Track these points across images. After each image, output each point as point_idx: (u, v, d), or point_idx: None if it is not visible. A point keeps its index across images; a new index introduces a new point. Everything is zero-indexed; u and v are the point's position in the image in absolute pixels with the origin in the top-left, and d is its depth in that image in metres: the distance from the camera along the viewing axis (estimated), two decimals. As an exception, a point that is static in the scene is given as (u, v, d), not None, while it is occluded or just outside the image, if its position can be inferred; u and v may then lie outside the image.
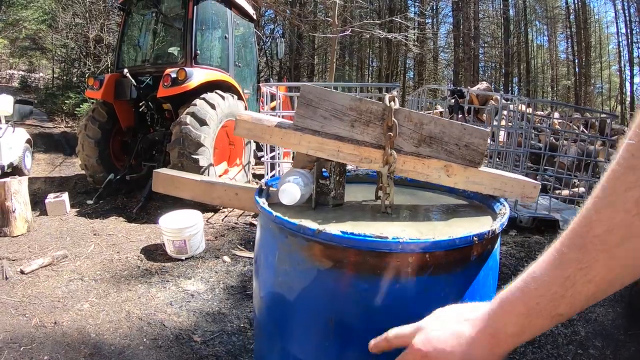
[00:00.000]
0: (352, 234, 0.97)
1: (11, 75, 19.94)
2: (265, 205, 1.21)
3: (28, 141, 8.11)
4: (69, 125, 13.51)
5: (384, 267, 0.98)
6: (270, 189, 1.44)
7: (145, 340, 2.78)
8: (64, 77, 16.27)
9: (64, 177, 7.90)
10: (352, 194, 1.54)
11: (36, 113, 14.59)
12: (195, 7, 5.76)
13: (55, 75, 17.50)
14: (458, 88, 4.58)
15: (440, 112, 9.13)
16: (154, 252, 4.29)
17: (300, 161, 1.37)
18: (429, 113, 8.86)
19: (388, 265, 0.97)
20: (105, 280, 3.65)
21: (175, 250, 4.09)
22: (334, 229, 1.00)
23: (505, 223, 1.17)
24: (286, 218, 1.09)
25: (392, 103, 1.26)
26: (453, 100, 4.49)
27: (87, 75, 13.50)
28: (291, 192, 1.21)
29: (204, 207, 5.39)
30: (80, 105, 12.77)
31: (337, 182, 1.38)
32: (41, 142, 11.06)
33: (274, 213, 1.13)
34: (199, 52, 5.80)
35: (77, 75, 15.05)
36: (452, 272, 1.04)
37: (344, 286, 1.03)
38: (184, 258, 4.08)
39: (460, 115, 4.57)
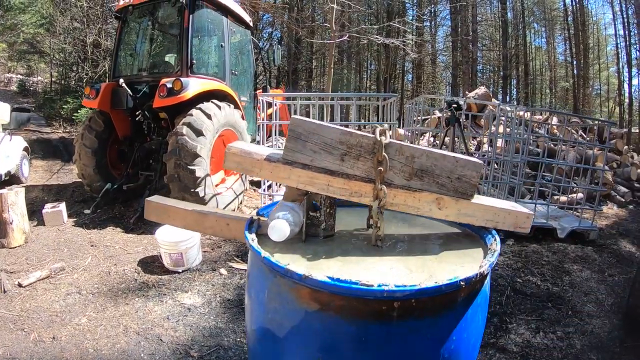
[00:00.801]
0: (338, 280, 0.97)
1: (9, 79, 19.97)
2: (254, 244, 1.21)
3: (25, 149, 8.10)
4: (66, 130, 13.50)
5: (370, 312, 0.98)
6: (261, 219, 1.43)
7: (142, 355, 2.78)
8: (62, 82, 16.26)
9: (61, 185, 7.87)
10: (345, 220, 1.54)
11: (34, 118, 14.58)
12: (191, 15, 5.74)
13: (53, 80, 17.48)
14: (455, 99, 4.56)
15: (438, 118, 9.13)
16: (151, 265, 4.27)
17: (291, 195, 1.36)
18: (427, 120, 8.90)
19: (374, 310, 0.98)
20: (102, 293, 3.64)
21: (172, 263, 4.08)
22: (320, 274, 1.00)
23: (495, 262, 1.16)
24: (275, 261, 1.09)
25: (383, 137, 1.25)
26: (450, 113, 4.47)
27: (84, 80, 13.49)
28: (280, 229, 1.21)
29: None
30: (78, 111, 12.74)
31: (328, 214, 1.37)
32: (39, 148, 11.05)
33: (262, 254, 1.13)
34: (195, 61, 5.78)
35: (75, 79, 15.04)
36: (438, 315, 1.04)
37: (331, 328, 1.03)
38: (180, 271, 4.06)
39: (457, 128, 4.57)
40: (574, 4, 23.37)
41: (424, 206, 1.31)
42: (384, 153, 1.24)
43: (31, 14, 16.25)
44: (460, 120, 4.75)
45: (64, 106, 13.81)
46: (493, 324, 3.12)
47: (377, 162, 1.25)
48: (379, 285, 0.94)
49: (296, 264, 1.19)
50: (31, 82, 19.59)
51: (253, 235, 1.28)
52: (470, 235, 1.48)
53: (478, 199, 1.39)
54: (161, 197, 1.78)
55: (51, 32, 15.22)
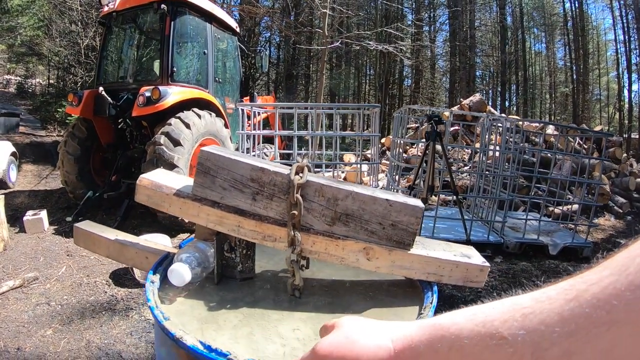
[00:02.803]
0: (208, 348, 0.85)
1: (8, 81, 19.98)
2: (150, 289, 1.09)
3: (13, 154, 8.04)
4: (60, 134, 13.44)
5: None
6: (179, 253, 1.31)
7: None
8: (58, 85, 16.24)
9: (48, 191, 7.83)
10: (278, 257, 1.42)
11: (30, 120, 14.56)
12: (172, 22, 5.66)
13: (50, 82, 17.48)
14: (436, 112, 4.44)
15: (417, 127, 9.01)
16: (123, 277, 4.22)
17: (201, 233, 1.24)
18: (419, 128, 8.76)
19: None
20: (70, 305, 3.62)
21: (142, 276, 3.99)
22: (191, 339, 0.88)
23: None
24: (156, 313, 0.97)
25: (298, 176, 1.12)
26: (430, 127, 4.34)
27: (79, 83, 13.45)
28: (180, 274, 1.09)
29: (179, 228, 5.30)
30: (72, 115, 12.68)
31: (245, 255, 1.25)
32: (30, 152, 10.99)
33: (150, 303, 1.01)
34: (175, 69, 5.69)
35: (71, 83, 15.00)
36: None
37: None
38: (151, 284, 3.97)
39: (437, 144, 4.44)
40: (573, 8, 23.27)
41: (349, 256, 1.16)
42: (297, 195, 1.10)
43: (29, 17, 16.28)
44: (443, 133, 4.62)
45: (59, 109, 13.74)
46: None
47: (290, 204, 1.12)
48: None
49: (192, 313, 1.08)
50: (30, 84, 19.59)
51: (156, 277, 1.17)
52: (413, 285, 1.32)
53: (419, 247, 1.22)
54: (90, 223, 1.67)
55: (49, 34, 15.20)
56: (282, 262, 1.41)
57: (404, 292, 1.28)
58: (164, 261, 1.29)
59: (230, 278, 1.27)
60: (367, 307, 1.18)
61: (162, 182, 1.26)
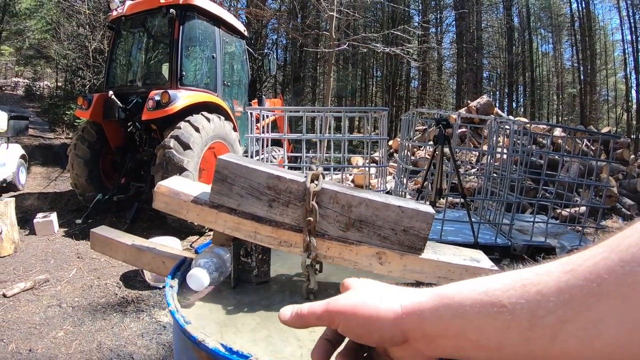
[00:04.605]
0: (230, 350, 0.88)
1: (16, 83, 20.21)
2: (169, 294, 1.12)
3: (23, 157, 8.12)
4: (69, 136, 13.56)
5: None
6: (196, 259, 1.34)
7: None
8: (66, 87, 16.38)
9: (57, 193, 7.89)
10: (292, 261, 1.45)
11: (38, 123, 14.69)
12: (181, 26, 5.71)
13: (58, 85, 17.64)
14: (444, 116, 4.45)
15: (424, 130, 8.99)
16: (133, 279, 4.26)
17: (219, 239, 1.27)
18: (427, 130, 8.75)
19: None
20: (82, 307, 3.66)
21: (153, 279, 4.04)
22: (212, 341, 0.91)
23: None
24: (178, 317, 1.00)
25: (313, 184, 1.15)
26: (438, 131, 4.36)
27: (87, 86, 13.55)
28: (198, 278, 1.12)
29: (188, 231, 5.34)
30: (81, 117, 12.79)
31: (260, 260, 1.28)
32: (40, 155, 11.11)
33: (170, 307, 1.04)
34: (184, 73, 5.75)
35: (79, 86, 15.13)
36: None
37: None
38: (161, 287, 4.02)
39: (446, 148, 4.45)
40: (580, 9, 23.14)
41: (362, 260, 1.20)
42: (313, 202, 1.14)
43: (37, 20, 16.47)
44: (451, 136, 4.63)
45: (67, 112, 13.87)
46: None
47: (306, 211, 1.15)
48: None
49: (211, 317, 1.11)
50: (38, 86, 19.79)
51: (175, 281, 1.20)
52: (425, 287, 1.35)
53: (430, 252, 1.25)
54: (106, 228, 1.71)
55: (56, 37, 15.34)
56: (296, 266, 1.44)
57: (416, 293, 1.31)
58: (182, 266, 1.32)
59: (247, 282, 1.30)
60: (380, 310, 1.21)
61: (179, 189, 1.29)
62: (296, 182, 1.17)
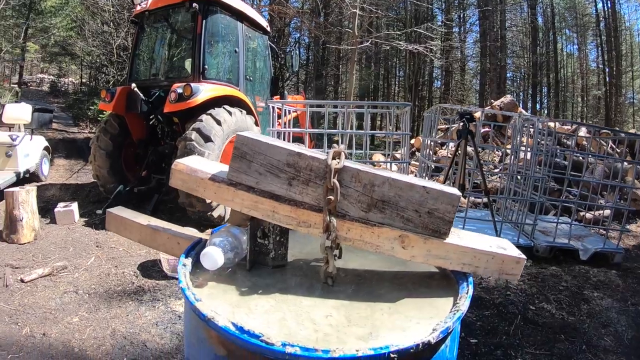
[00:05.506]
0: (240, 329, 0.84)
1: (42, 80, 20.67)
2: (182, 272, 1.09)
3: (46, 148, 8.23)
4: (92, 131, 13.75)
5: None
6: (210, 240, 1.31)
7: (125, 359, 2.77)
8: (91, 83, 16.64)
9: (79, 185, 7.98)
10: (312, 245, 1.40)
11: (62, 117, 14.94)
12: (204, 21, 5.71)
13: (83, 81, 17.94)
14: (468, 110, 4.34)
15: (447, 128, 8.85)
16: (151, 269, 4.26)
17: (235, 219, 1.23)
18: (442, 132, 8.63)
19: None
20: (98, 294, 3.66)
21: (170, 269, 4.05)
22: (223, 319, 0.87)
23: (454, 325, 0.97)
24: (188, 294, 0.97)
25: (335, 161, 1.10)
26: (461, 125, 4.25)
27: (111, 82, 13.74)
28: (212, 257, 1.09)
29: (208, 223, 5.34)
30: (104, 112, 12.98)
31: (278, 242, 1.24)
32: (63, 148, 11.27)
33: (182, 284, 1.01)
34: (207, 66, 5.74)
35: (102, 82, 15.35)
36: None
37: None
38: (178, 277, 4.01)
39: (469, 142, 4.34)
40: (606, 9, 22.53)
41: (384, 243, 1.14)
42: (334, 180, 1.08)
43: (62, 18, 16.80)
44: (474, 132, 4.52)
45: (91, 107, 14.08)
46: (496, 356, 2.91)
47: (327, 189, 1.10)
48: (283, 345, 0.80)
49: (224, 297, 1.08)
50: (62, 82, 20.17)
51: (188, 260, 1.17)
52: (447, 277, 1.27)
53: (455, 237, 1.19)
54: (122, 209, 1.70)
55: (81, 35, 15.60)
56: (314, 252, 1.39)
57: (438, 284, 1.25)
58: (197, 246, 1.29)
59: (263, 265, 1.26)
60: (400, 296, 1.16)
61: (197, 167, 1.26)
62: (317, 159, 1.12)
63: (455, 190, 1.14)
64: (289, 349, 0.79)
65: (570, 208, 6.00)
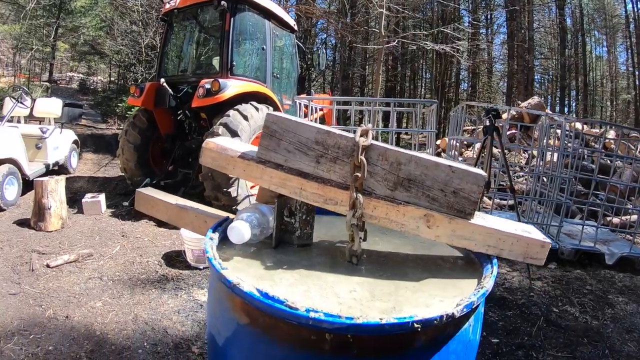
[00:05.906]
0: (265, 295, 0.86)
1: (71, 78, 21.18)
2: (209, 244, 1.12)
3: (75, 142, 8.42)
4: (120, 127, 14.02)
5: (299, 339, 0.86)
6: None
7: (145, 344, 2.80)
8: (119, 82, 16.95)
9: (107, 178, 8.13)
10: (337, 227, 1.42)
11: (91, 114, 15.27)
12: (232, 19, 5.79)
13: (111, 79, 18.29)
14: (494, 107, 4.27)
15: (472, 130, 8.74)
16: (175, 259, 4.31)
17: (263, 196, 1.27)
18: (469, 133, 8.54)
19: (303, 337, 0.85)
20: (122, 281, 3.73)
21: (194, 259, 4.09)
22: (248, 285, 0.89)
23: (479, 301, 0.98)
24: (215, 263, 0.99)
25: (363, 138, 1.12)
26: (487, 121, 4.19)
27: (139, 80, 13.99)
28: (239, 231, 1.11)
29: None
30: (132, 109, 13.22)
31: (304, 221, 1.26)
32: (91, 143, 11.52)
33: (208, 254, 1.03)
34: (235, 63, 5.81)
35: (131, 80, 15.63)
36: (384, 357, 0.88)
37: (259, 346, 0.92)
38: (201, 267, 4.06)
39: (495, 139, 4.27)
40: (636, 10, 21.90)
41: (409, 222, 1.14)
42: (362, 157, 1.10)
43: (91, 17, 17.19)
44: (500, 130, 4.45)
45: (119, 104, 14.35)
46: (517, 357, 2.87)
47: (354, 166, 1.11)
48: (307, 310, 0.81)
49: (248, 270, 1.10)
50: (91, 81, 20.63)
51: (215, 235, 1.20)
52: (471, 261, 1.27)
53: (479, 218, 1.18)
54: (151, 189, 1.74)
55: (110, 34, 15.92)
56: (339, 235, 1.41)
57: (462, 265, 1.26)
58: (224, 223, 1.32)
59: (288, 243, 1.29)
60: (424, 276, 1.16)
61: (227, 145, 1.29)
62: (345, 138, 1.14)
63: (480, 171, 1.14)
64: (312, 314, 0.81)
65: (596, 212, 5.88)
